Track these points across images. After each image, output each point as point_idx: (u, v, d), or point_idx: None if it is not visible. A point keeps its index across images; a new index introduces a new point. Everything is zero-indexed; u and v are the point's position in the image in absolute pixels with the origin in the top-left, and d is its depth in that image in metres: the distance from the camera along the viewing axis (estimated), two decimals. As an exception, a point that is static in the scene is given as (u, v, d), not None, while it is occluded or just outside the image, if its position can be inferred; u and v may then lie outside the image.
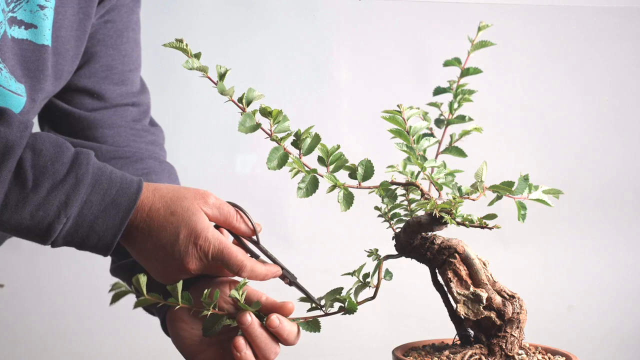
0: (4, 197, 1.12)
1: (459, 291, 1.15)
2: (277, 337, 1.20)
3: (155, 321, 1.32)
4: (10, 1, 1.26)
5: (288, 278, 1.24)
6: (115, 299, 1.17)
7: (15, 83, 1.28)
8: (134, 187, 1.18)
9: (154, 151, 1.48)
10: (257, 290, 1.23)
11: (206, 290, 1.17)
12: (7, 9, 1.26)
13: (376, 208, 1.23)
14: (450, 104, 1.26)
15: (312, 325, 1.20)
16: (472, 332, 1.18)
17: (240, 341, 1.19)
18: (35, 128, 1.33)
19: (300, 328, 1.21)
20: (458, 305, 1.15)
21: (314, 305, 1.21)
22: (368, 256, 1.21)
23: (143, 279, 1.15)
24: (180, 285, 1.17)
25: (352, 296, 1.19)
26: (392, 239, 1.21)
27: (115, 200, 1.17)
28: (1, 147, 1.12)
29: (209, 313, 1.17)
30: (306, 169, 1.15)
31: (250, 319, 1.18)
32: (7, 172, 1.12)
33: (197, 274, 1.21)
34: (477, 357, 1.15)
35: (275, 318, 1.19)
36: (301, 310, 1.21)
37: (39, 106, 1.37)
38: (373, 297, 1.20)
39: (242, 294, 1.17)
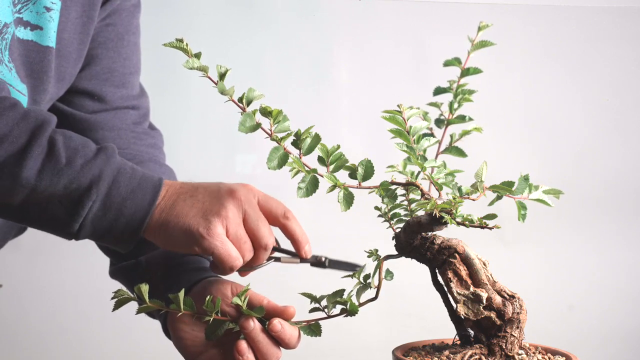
0: (40, 166, 1.13)
1: (459, 291, 1.15)
2: (279, 342, 1.20)
3: (156, 322, 1.32)
4: (17, 2, 1.26)
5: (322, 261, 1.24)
6: (117, 305, 1.17)
7: (20, 83, 1.29)
8: (156, 178, 1.19)
9: (154, 154, 1.49)
10: (259, 293, 1.22)
11: (208, 297, 1.17)
12: (14, 10, 1.26)
13: (376, 208, 1.22)
14: (450, 104, 1.25)
15: (314, 329, 1.20)
16: (472, 332, 1.18)
17: (243, 345, 1.19)
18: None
19: (301, 332, 1.20)
20: (458, 305, 1.15)
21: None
22: (368, 257, 1.21)
23: (145, 288, 1.16)
24: (182, 292, 1.16)
25: (353, 298, 1.19)
26: (392, 239, 1.20)
27: (141, 184, 1.17)
28: (38, 120, 1.15)
29: (212, 318, 1.17)
30: (306, 169, 1.14)
31: (253, 324, 1.18)
32: (44, 139, 1.14)
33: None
34: (477, 357, 1.15)
35: (277, 323, 1.18)
36: (302, 313, 1.21)
37: (42, 108, 1.37)
38: (375, 298, 1.19)
39: (244, 299, 1.17)
